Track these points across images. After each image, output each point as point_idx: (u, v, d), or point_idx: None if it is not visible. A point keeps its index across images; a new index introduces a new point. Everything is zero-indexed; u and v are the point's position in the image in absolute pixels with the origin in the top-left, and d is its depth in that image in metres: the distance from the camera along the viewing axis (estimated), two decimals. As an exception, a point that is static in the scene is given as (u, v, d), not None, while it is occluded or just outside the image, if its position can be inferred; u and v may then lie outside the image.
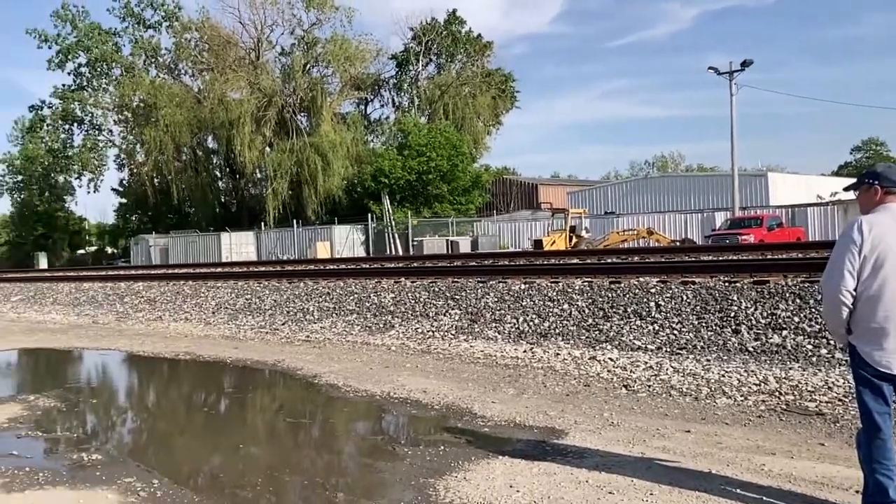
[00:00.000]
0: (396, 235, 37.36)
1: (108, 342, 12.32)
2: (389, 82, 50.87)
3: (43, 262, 55.59)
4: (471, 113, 46.94)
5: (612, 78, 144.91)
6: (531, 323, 10.09)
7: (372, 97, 51.61)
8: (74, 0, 55.07)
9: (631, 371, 7.68)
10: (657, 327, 8.98)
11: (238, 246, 40.70)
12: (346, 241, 38.09)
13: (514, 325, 10.18)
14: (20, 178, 66.79)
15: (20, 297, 21.36)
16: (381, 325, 11.48)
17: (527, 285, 11.45)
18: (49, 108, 58.45)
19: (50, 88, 75.93)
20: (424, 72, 50.36)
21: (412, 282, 13.45)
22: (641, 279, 10.56)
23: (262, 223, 43.48)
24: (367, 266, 20.99)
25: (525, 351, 9.07)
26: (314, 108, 45.05)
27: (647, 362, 7.94)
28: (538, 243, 27.88)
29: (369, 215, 38.50)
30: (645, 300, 9.67)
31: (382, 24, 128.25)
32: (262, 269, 23.23)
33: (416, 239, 35.67)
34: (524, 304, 10.74)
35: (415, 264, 19.66)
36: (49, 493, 4.61)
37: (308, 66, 47.10)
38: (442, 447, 5.29)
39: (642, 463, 4.71)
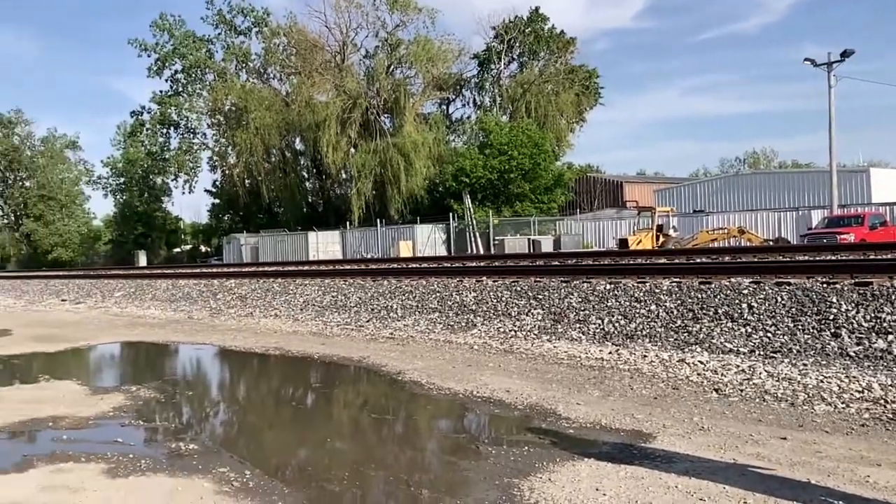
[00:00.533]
0: (478, 234, 37.42)
1: (202, 337, 12.86)
2: (471, 82, 51.06)
3: (142, 260, 58.55)
4: (553, 110, 46.49)
5: (699, 72, 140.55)
6: (617, 324, 9.90)
7: (454, 97, 51.92)
8: (172, 9, 57.91)
9: (722, 374, 7.42)
10: (750, 330, 8.64)
11: (324, 245, 41.75)
12: (427, 240, 38.46)
13: (599, 325, 10.01)
14: (122, 180, 70.87)
15: (122, 292, 22.59)
16: (463, 324, 11.51)
17: (612, 285, 11.24)
18: (148, 113, 61.79)
19: (149, 95, 79.81)
20: (506, 70, 50.29)
21: (494, 281, 13.43)
22: (733, 280, 10.19)
23: (347, 222, 44.42)
24: (449, 265, 21.12)
25: (610, 352, 8.91)
26: (397, 109, 45.68)
27: (738, 366, 7.65)
28: (623, 242, 27.34)
29: (451, 214, 38.71)
30: (737, 301, 9.32)
31: (464, 24, 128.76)
32: (348, 267, 23.74)
33: (497, 238, 35.64)
34: (609, 304, 10.54)
35: (496, 263, 19.63)
36: (150, 480, 4.84)
37: (391, 67, 47.80)
38: (526, 447, 5.26)
39: (735, 470, 4.54)
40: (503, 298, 12.09)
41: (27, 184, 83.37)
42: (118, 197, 72.15)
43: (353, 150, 47.35)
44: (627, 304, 10.37)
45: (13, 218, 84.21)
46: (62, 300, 23.59)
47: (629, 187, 50.15)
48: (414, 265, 21.84)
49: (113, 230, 74.16)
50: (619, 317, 10.07)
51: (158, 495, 4.52)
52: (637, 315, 9.94)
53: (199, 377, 9.78)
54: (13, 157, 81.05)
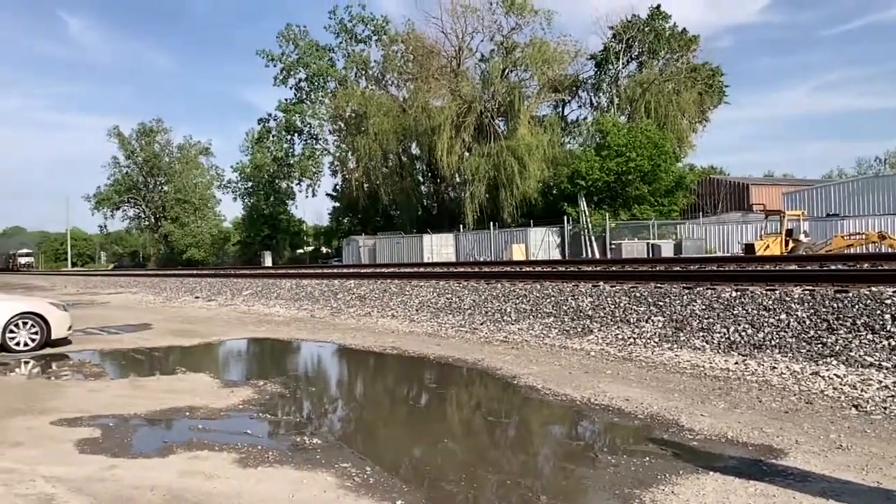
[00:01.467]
0: (593, 238, 36.74)
1: (323, 335, 13.34)
2: (588, 83, 50.24)
3: (268, 260, 61.45)
4: (674, 110, 44.94)
5: (832, 67, 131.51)
6: (743, 333, 9.42)
7: (569, 98, 51.28)
8: (296, 20, 60.62)
9: (862, 390, 6.90)
10: (894, 343, 7.99)
11: (438, 247, 42.29)
12: (541, 243, 38.14)
13: (724, 334, 9.57)
14: (250, 184, 74.73)
15: (250, 291, 23.83)
16: (580, 330, 11.33)
17: (738, 293, 10.71)
18: (274, 120, 65.06)
19: (275, 103, 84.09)
20: (625, 70, 49.11)
21: (611, 286, 13.13)
22: (874, 288, 9.46)
23: (461, 225, 44.80)
24: (564, 269, 20.86)
25: (737, 363, 8.49)
26: (511, 112, 45.63)
27: (881, 381, 7.09)
28: (750, 248, 26.01)
29: (565, 217, 38.20)
30: (878, 312, 8.65)
31: (581, 25, 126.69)
32: (461, 269, 23.94)
33: (613, 242, 34.82)
34: (735, 312, 10.06)
35: (613, 268, 19.17)
36: (277, 471, 5.07)
37: (506, 70, 47.82)
38: (647, 458, 5.10)
39: (879, 494, 4.21)
40: (621, 304, 11.80)
41: (165, 188, 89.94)
42: (246, 200, 76.12)
43: (467, 153, 47.72)
44: (755, 312, 9.85)
45: (153, 220, 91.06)
46: (196, 297, 25.16)
47: (756, 190, 47.65)
48: (528, 268, 21.72)
49: (241, 232, 78.30)
50: (746, 325, 9.58)
51: (285, 486, 4.73)
52: (766, 324, 9.42)
53: (321, 373, 10.16)
54: (154, 164, 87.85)
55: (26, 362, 10.81)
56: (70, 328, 12.66)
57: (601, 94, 50.41)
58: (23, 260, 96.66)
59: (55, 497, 4.59)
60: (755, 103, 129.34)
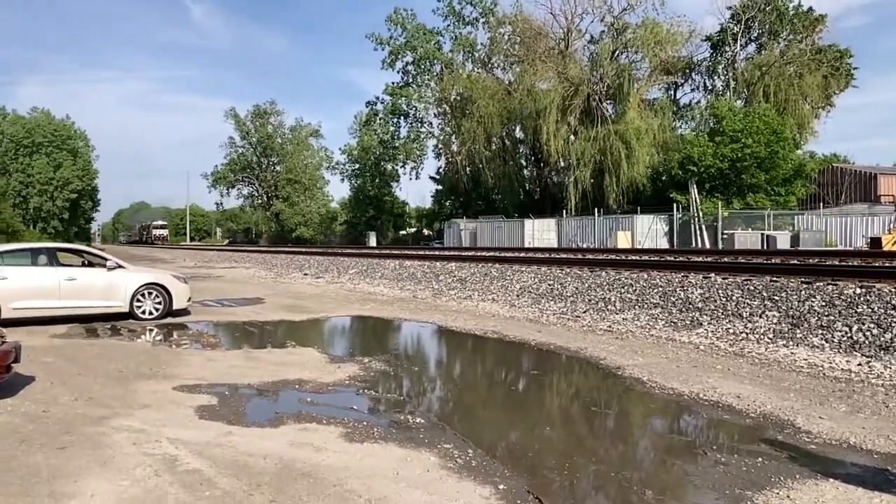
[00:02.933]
0: (704, 227, 35.39)
1: (425, 315, 13.54)
2: (702, 65, 48.18)
3: (372, 241, 62.94)
4: (795, 94, 42.39)
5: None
6: (868, 333, 8.83)
7: (682, 81, 49.40)
8: (405, 3, 61.20)
9: None
10: None
11: (540, 232, 41.95)
12: (648, 231, 37.09)
13: (846, 333, 9.00)
14: (357, 166, 76.64)
15: (355, 270, 24.48)
16: (688, 322, 10.96)
17: (863, 290, 10.04)
18: (381, 103, 66.17)
19: (382, 86, 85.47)
20: (742, 52, 46.72)
21: (723, 278, 12.62)
22: None
23: (564, 211, 44.20)
24: (672, 258, 20.23)
25: (860, 364, 7.97)
26: (620, 95, 44.42)
27: None
28: (876, 242, 24.35)
29: (674, 205, 36.95)
30: None
31: (696, 5, 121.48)
32: (563, 255, 23.67)
33: (725, 232, 33.44)
34: (859, 310, 9.43)
35: (725, 259, 18.45)
36: (382, 448, 5.20)
37: (616, 52, 46.55)
38: (759, 458, 4.88)
39: None
40: (733, 297, 11.32)
41: (277, 168, 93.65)
42: (353, 181, 78.12)
43: (572, 137, 46.91)
44: (882, 311, 9.20)
45: (265, 198, 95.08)
46: (304, 274, 26.11)
47: (885, 180, 44.39)
48: (633, 257, 21.21)
49: (347, 212, 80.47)
50: (872, 325, 8.97)
51: (390, 462, 4.84)
52: (894, 324, 8.78)
53: (422, 353, 10.32)
54: (267, 145, 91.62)
55: (150, 330, 11.56)
56: (189, 300, 13.44)
57: (716, 77, 48.29)
58: (157, 232, 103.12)
59: (178, 458, 4.89)
60: (887, 86, 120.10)
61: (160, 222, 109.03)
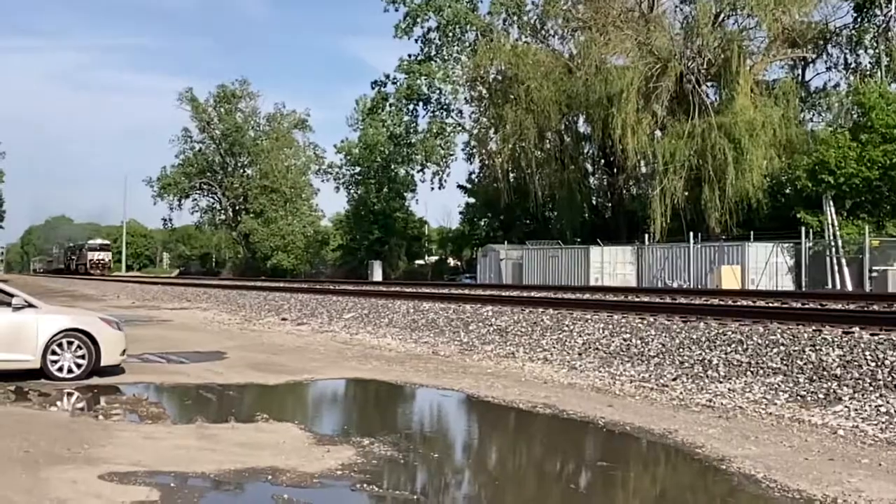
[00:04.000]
0: (844, 261, 35.11)
1: (450, 380, 13.49)
2: (842, 34, 48.04)
3: (377, 273, 63.13)
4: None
5: None
6: None
7: (813, 57, 49.30)
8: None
9: None
10: None
11: (611, 265, 41.87)
12: (765, 265, 36.84)
13: None
14: (358, 169, 77.24)
15: (353, 314, 24.57)
16: (822, 396, 10.80)
17: None
18: (393, 84, 66.31)
19: (394, 61, 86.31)
20: (899, 16, 46.57)
21: (872, 334, 12.46)
22: None
23: (645, 235, 44.07)
24: (799, 305, 20.00)
25: None
26: (726, 76, 44.33)
27: None
28: None
29: (802, 230, 36.64)
30: None
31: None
32: (645, 299, 23.55)
33: (875, 268, 33.12)
34: None
35: (875, 306, 18.20)
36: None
37: (721, 16, 46.57)
38: None
39: None
40: (887, 362, 11.15)
41: (248, 171, 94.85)
42: (352, 191, 78.70)
43: (658, 132, 46.93)
44: None
45: (231, 213, 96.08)
46: (282, 319, 26.27)
47: None
48: (744, 302, 21.02)
49: (343, 233, 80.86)
50: None
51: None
52: None
53: (445, 434, 10.24)
54: (235, 139, 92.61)
55: (70, 394, 11.66)
56: (124, 353, 13.54)
57: (861, 52, 48.08)
58: (95, 256, 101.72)
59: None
60: None
61: (100, 241, 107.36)
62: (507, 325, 18.69)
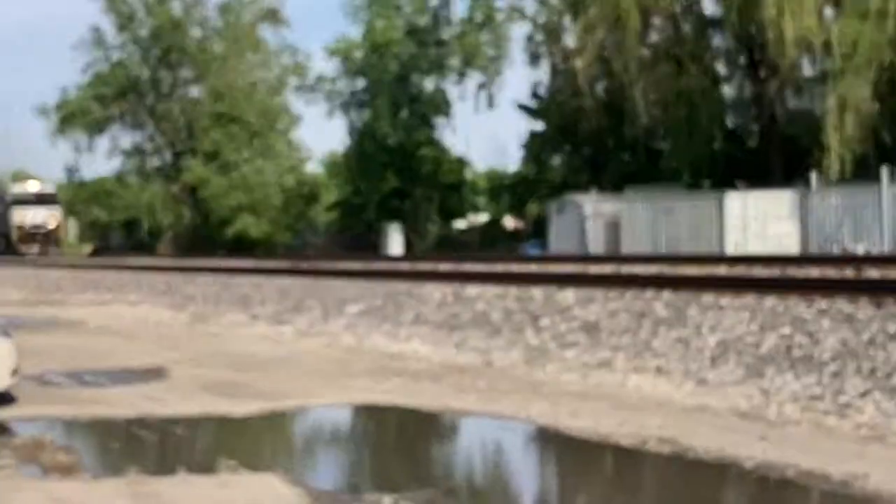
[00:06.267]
0: None
1: (510, 404, 13.46)
2: None
3: (395, 243, 63.01)
4: None
5: None
6: None
7: None
8: None
9: None
10: None
11: (760, 220, 41.62)
12: None
13: None
14: (362, 84, 76.66)
15: (360, 306, 24.56)
16: None
17: None
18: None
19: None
20: None
21: None
22: None
23: (812, 174, 43.66)
24: None
25: None
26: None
27: None
28: None
29: None
30: None
31: None
32: (814, 272, 23.32)
33: None
34: None
35: None
36: None
37: None
38: None
39: None
40: None
41: (194, 91, 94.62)
42: (352, 117, 78.15)
43: (828, 11, 46.35)
44: None
45: (169, 157, 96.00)
46: (253, 316, 26.37)
47: None
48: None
49: (342, 183, 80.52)
50: None
51: None
52: None
53: (506, 490, 10.23)
54: (171, 42, 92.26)
55: (-66, 436, 11.75)
56: (15, 373, 13.63)
57: None
58: (33, 217, 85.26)
59: None
60: None
61: (34, 187, 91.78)
62: (598, 318, 18.61)
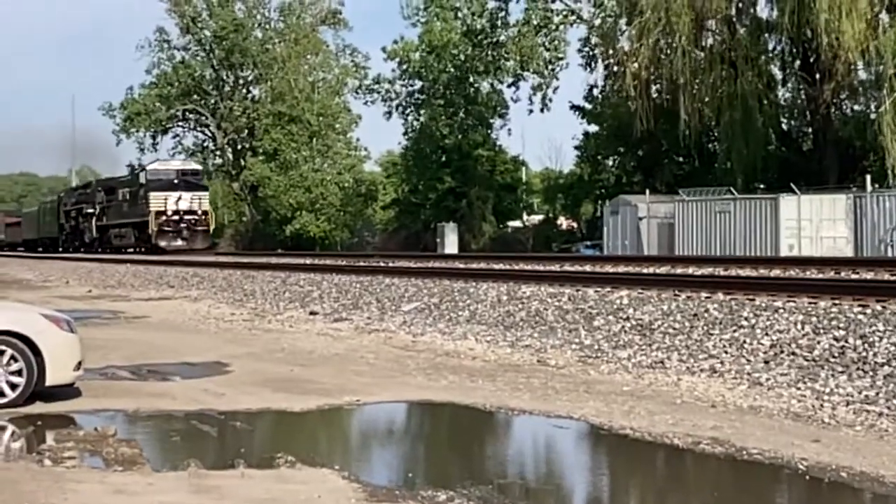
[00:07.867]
0: None
1: (564, 402, 13.42)
2: None
3: (451, 242, 62.78)
4: None
5: None
6: None
7: None
8: None
9: None
10: None
11: (814, 223, 41.30)
12: None
13: None
14: (418, 85, 76.66)
15: (416, 304, 24.57)
16: None
17: None
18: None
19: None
20: None
21: None
22: None
23: (867, 177, 43.26)
24: None
25: None
26: None
27: None
28: None
29: None
30: None
31: None
32: (868, 275, 23.12)
33: None
34: None
35: None
36: None
37: None
38: None
39: None
40: None
41: (255, 92, 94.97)
42: (411, 119, 78.10)
43: (884, 17, 45.89)
44: None
45: (231, 155, 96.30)
46: (311, 313, 26.41)
47: None
48: None
49: (399, 183, 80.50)
50: None
51: None
52: None
53: (560, 487, 10.17)
54: (234, 44, 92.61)
55: (1, 429, 11.82)
56: (79, 366, 13.66)
57: None
58: (176, 204, 69.15)
59: None
60: None
61: (179, 164, 78.90)
62: (653, 318, 18.54)
